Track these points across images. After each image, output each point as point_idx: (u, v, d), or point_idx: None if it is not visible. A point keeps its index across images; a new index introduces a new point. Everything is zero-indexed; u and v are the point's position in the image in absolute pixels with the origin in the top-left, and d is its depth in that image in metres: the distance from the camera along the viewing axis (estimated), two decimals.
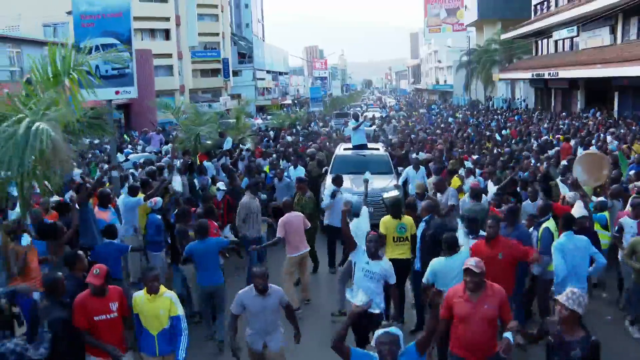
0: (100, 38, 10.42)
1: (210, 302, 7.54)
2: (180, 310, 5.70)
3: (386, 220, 8.20)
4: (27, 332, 5.43)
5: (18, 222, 6.60)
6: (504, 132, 23.98)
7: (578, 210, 7.87)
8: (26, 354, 5.05)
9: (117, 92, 10.33)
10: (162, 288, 5.75)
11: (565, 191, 9.81)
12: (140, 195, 8.96)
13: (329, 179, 13.19)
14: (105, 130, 8.29)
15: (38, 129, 5.25)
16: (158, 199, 9.01)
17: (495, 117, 34.90)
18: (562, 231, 7.18)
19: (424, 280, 6.57)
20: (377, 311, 6.47)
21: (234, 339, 5.86)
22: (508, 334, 4.85)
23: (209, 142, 13.91)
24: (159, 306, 5.65)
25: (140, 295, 5.72)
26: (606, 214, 8.92)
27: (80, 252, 6.23)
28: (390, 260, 7.05)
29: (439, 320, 5.32)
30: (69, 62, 6.02)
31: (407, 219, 8.27)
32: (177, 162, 11.24)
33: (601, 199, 9.22)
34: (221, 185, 11.10)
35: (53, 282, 5.38)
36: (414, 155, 14.83)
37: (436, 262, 6.60)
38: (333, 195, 10.40)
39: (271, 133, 23.75)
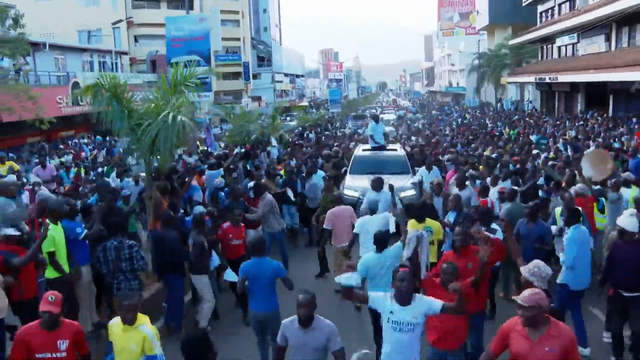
0: (186, 55, 13.17)
1: (264, 331, 6.66)
2: (157, 350, 5.05)
3: (410, 225, 7.80)
4: None
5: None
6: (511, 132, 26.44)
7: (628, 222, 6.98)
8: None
9: (199, 96, 12.98)
10: (141, 319, 5.07)
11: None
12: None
13: (348, 178, 14.04)
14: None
15: (180, 120, 8.05)
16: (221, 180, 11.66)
17: (502, 118, 37.37)
18: (568, 223, 7.44)
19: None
20: None
21: None
22: None
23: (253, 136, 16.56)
24: (131, 340, 5.02)
25: (115, 323, 5.15)
26: (603, 199, 9.54)
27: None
28: None
29: (486, 353, 4.68)
30: (183, 76, 8.87)
31: (433, 223, 8.12)
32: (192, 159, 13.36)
33: (597, 187, 9.80)
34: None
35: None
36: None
37: (369, 257, 6.83)
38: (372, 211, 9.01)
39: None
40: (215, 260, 8.23)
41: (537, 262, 4.91)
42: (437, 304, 5.06)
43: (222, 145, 17.95)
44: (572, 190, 9.43)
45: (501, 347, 4.51)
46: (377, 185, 10.22)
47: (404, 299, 5.03)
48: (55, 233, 6.99)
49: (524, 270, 4.90)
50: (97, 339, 7.48)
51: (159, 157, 8.69)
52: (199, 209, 9.16)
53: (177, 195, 9.45)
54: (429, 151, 17.12)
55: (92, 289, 7.92)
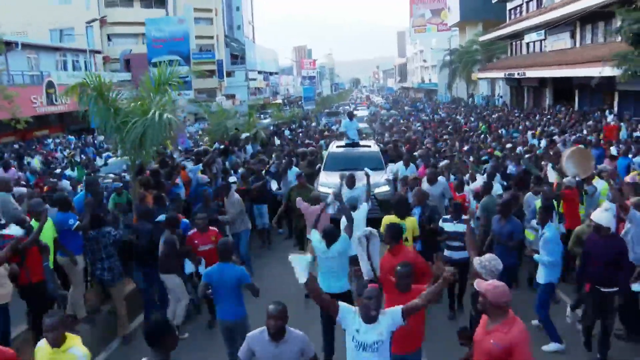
0: (167, 55, 13.51)
1: (233, 340, 6.28)
2: None
3: (387, 221, 7.62)
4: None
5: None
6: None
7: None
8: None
9: (179, 94, 13.33)
10: (71, 341, 4.65)
11: (552, 177, 10.88)
12: None
13: (322, 175, 14.11)
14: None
15: (166, 117, 8.47)
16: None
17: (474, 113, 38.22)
18: (543, 222, 7.54)
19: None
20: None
21: None
22: None
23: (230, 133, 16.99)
24: None
25: (41, 347, 4.71)
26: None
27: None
28: None
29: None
30: (165, 76, 9.26)
31: (410, 220, 8.11)
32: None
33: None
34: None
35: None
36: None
37: (320, 250, 6.94)
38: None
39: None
40: (188, 267, 8.00)
41: (490, 256, 4.92)
42: (397, 314, 4.71)
43: (205, 140, 18.23)
44: (565, 181, 9.59)
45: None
46: (351, 183, 10.32)
47: (370, 318, 4.67)
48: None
49: (476, 261, 4.96)
50: (91, 323, 7.95)
51: (144, 153, 9.06)
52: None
53: (163, 189, 9.78)
54: (403, 147, 17.12)
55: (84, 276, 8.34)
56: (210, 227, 8.33)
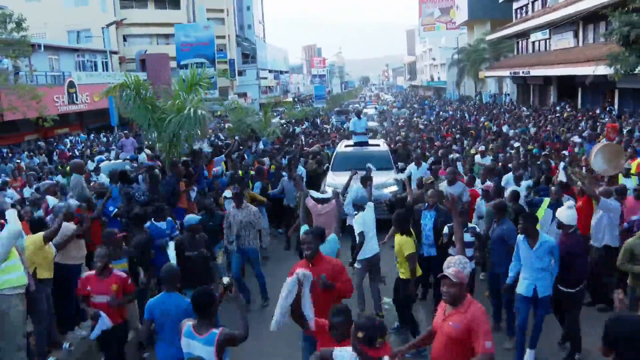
0: (194, 58, 14.72)
1: None
2: None
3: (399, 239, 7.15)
4: None
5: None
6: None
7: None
8: None
9: (206, 93, 14.24)
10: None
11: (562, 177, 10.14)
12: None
13: (330, 175, 13.97)
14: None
15: (201, 113, 9.62)
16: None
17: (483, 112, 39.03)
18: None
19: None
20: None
21: None
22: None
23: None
24: None
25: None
26: None
27: None
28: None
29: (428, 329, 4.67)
30: (196, 78, 10.49)
31: (402, 240, 7.12)
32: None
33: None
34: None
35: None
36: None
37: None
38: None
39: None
40: (104, 321, 6.01)
41: (459, 259, 4.43)
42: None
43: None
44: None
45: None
46: (365, 182, 9.57)
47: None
48: None
49: (447, 261, 4.44)
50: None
51: (178, 147, 10.27)
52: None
53: (191, 178, 10.85)
54: (416, 146, 16.74)
55: None
56: (115, 272, 6.20)
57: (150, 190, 9.83)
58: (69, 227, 7.57)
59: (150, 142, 12.42)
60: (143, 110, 9.89)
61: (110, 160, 16.74)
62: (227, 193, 9.84)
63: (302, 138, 23.70)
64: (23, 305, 6.09)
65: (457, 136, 21.90)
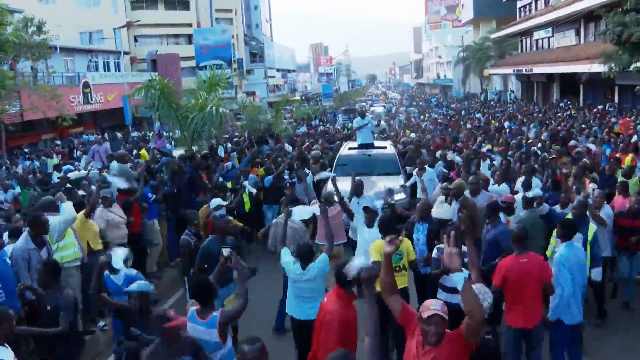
0: (212, 60, 15.73)
1: None
2: None
3: (376, 248, 6.21)
4: None
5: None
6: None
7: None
8: None
9: (223, 93, 14.98)
10: None
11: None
12: None
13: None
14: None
15: (222, 111, 10.51)
16: None
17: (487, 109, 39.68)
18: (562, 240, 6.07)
19: None
20: None
21: None
22: None
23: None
24: None
25: None
26: None
27: None
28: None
29: None
30: (216, 79, 11.44)
31: (404, 243, 6.45)
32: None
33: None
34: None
35: None
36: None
37: (293, 271, 6.09)
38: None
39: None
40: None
41: (479, 288, 4.06)
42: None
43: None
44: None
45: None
46: (359, 190, 8.93)
47: None
48: None
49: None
50: (159, 278, 9.91)
51: (199, 143, 11.21)
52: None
53: (209, 171, 11.72)
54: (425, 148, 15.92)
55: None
56: None
57: (172, 182, 10.72)
58: (108, 214, 8.53)
59: (170, 138, 13.34)
60: (167, 108, 10.83)
61: (79, 170, 15.23)
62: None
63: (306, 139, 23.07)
64: (78, 275, 7.25)
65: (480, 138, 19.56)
